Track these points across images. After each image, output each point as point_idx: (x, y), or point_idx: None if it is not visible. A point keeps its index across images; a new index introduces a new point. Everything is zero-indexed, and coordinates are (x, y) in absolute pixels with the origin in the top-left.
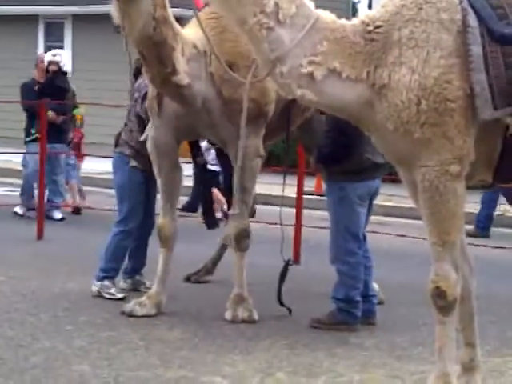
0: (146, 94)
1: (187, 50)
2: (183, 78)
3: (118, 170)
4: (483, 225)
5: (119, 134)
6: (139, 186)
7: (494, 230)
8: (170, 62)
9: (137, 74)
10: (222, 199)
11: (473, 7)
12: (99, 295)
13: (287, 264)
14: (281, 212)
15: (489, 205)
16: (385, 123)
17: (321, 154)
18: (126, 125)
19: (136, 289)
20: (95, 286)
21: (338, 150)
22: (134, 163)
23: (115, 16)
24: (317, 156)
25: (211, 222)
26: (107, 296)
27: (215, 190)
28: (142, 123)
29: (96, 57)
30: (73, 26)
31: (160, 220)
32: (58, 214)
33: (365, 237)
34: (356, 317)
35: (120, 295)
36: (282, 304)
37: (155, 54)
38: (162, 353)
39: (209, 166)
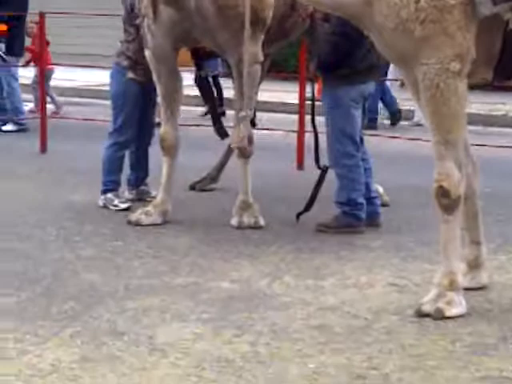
0: None
1: None
2: None
3: (114, 81)
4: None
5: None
6: (135, 98)
7: (496, 129)
8: None
9: None
10: None
11: None
12: (105, 207)
13: (324, 171)
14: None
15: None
16: (384, 22)
17: (321, 60)
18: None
19: (141, 199)
20: (100, 201)
21: (338, 56)
22: (131, 75)
23: None
24: (317, 62)
25: (222, 132)
26: (112, 208)
27: None
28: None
29: None
30: None
31: (161, 128)
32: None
33: (362, 139)
34: (360, 218)
35: (124, 205)
36: (306, 210)
37: None
38: (170, 260)
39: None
